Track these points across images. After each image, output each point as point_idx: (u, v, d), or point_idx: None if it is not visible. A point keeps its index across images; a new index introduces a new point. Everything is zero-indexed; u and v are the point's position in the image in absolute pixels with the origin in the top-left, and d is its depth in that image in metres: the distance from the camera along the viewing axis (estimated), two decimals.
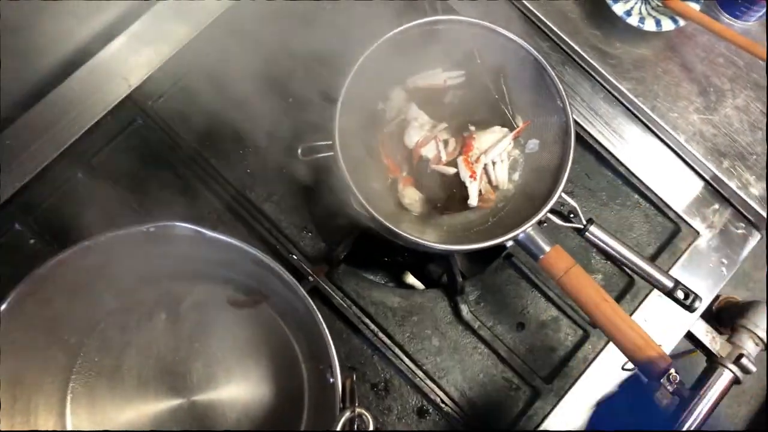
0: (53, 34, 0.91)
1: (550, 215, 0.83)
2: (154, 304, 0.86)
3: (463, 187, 0.86)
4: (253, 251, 0.72)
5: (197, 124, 0.95)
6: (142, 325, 0.85)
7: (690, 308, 0.82)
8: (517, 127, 0.89)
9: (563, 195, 0.83)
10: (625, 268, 0.94)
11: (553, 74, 0.84)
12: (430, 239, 0.83)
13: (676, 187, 0.99)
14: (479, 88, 0.89)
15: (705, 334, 1.02)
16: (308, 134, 0.88)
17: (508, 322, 0.95)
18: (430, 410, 0.91)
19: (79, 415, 0.82)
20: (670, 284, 0.82)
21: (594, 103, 1.01)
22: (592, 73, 1.01)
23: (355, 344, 0.92)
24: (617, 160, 0.99)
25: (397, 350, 0.91)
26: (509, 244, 0.83)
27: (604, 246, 0.83)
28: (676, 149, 1.00)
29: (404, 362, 0.91)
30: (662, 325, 0.94)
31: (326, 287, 0.92)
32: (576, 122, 0.97)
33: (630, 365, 0.86)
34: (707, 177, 0.99)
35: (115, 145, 0.93)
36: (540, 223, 0.82)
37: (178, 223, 0.70)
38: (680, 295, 0.82)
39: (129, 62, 0.94)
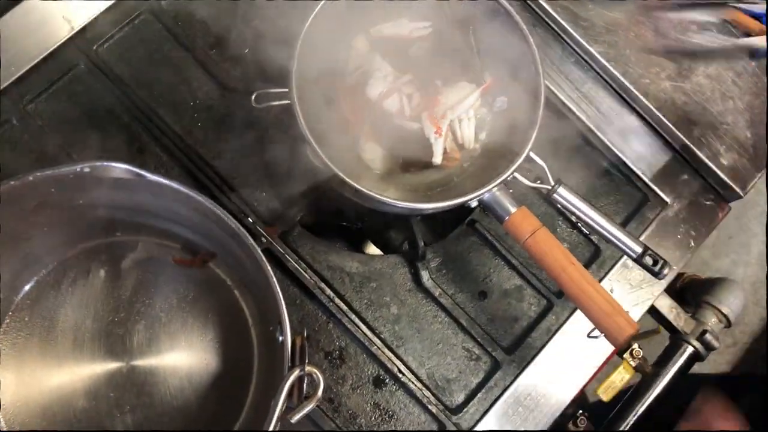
0: None
1: (516, 175, 0.79)
2: (91, 260, 0.79)
3: (426, 144, 0.82)
4: (200, 197, 0.66)
5: (144, 71, 0.89)
6: (78, 282, 0.79)
7: (658, 274, 0.79)
8: (485, 82, 0.85)
9: (531, 154, 0.79)
10: (592, 233, 0.92)
11: (526, 29, 0.80)
12: (391, 197, 0.78)
13: (646, 155, 0.96)
14: (446, 41, 0.85)
15: (669, 310, 0.99)
16: (264, 83, 0.82)
17: (469, 290, 0.90)
18: (387, 380, 0.86)
19: (5, 378, 0.75)
20: (639, 249, 0.79)
21: (564, 66, 0.97)
22: (563, 35, 0.97)
23: (309, 310, 0.87)
24: (586, 126, 0.96)
25: (353, 317, 0.87)
26: (473, 204, 0.79)
27: (573, 208, 0.80)
28: (646, 116, 0.97)
29: (361, 330, 0.86)
30: (628, 296, 0.91)
31: (279, 249, 0.86)
32: (546, 86, 0.94)
33: (596, 332, 0.82)
34: (677, 146, 0.96)
35: (54, 90, 0.86)
36: (506, 183, 0.78)
37: (115, 164, 0.63)
38: (648, 261, 0.79)
39: (71, 2, 0.87)
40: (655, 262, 0.79)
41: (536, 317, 0.91)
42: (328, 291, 0.87)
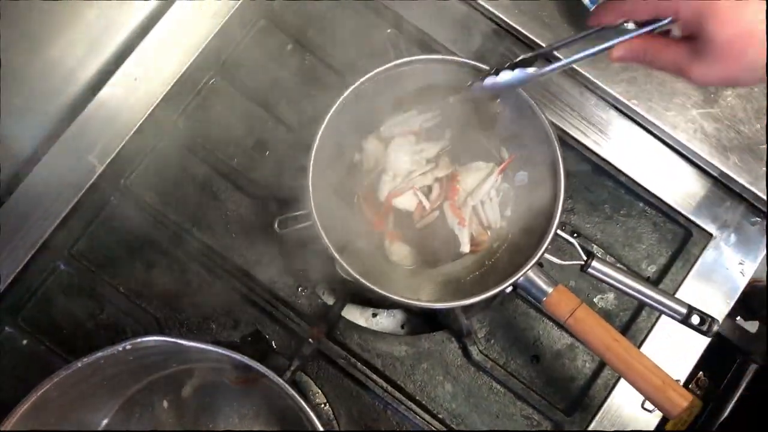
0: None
1: (547, 256, 0.78)
2: (153, 394, 0.84)
3: (453, 233, 0.82)
4: (237, 357, 0.69)
5: (173, 194, 0.92)
6: (145, 416, 0.83)
7: (706, 333, 0.78)
8: (504, 160, 0.84)
9: (559, 233, 0.78)
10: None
11: (536, 106, 0.78)
12: (425, 296, 0.80)
13: (683, 189, 0.94)
14: (457, 124, 0.84)
15: (732, 332, 0.97)
16: (289, 201, 0.84)
17: (521, 356, 0.91)
18: None
19: None
20: (683, 310, 0.78)
21: (585, 111, 0.95)
22: (580, 79, 0.95)
23: (365, 401, 0.89)
24: (616, 168, 0.94)
25: (409, 403, 0.88)
26: (508, 290, 0.79)
27: (609, 280, 0.79)
28: (678, 149, 0.94)
29: (419, 414, 0.88)
30: (678, 347, 0.89)
31: (328, 348, 0.88)
32: (567, 134, 0.93)
33: (650, 405, 0.82)
34: (715, 174, 0.93)
35: (93, 230, 0.90)
36: (539, 265, 0.78)
37: (153, 338, 0.67)
38: (695, 320, 0.77)
39: (94, 141, 0.90)
40: (702, 321, 0.77)
41: (591, 374, 0.90)
42: (381, 381, 0.88)
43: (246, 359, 0.68)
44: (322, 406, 0.89)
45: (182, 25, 0.93)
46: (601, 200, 0.95)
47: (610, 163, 0.94)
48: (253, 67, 0.95)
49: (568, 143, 0.93)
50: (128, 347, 0.66)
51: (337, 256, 0.75)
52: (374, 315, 0.97)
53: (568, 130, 0.93)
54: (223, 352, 0.68)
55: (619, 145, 0.94)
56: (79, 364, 0.66)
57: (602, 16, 0.65)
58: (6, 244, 0.87)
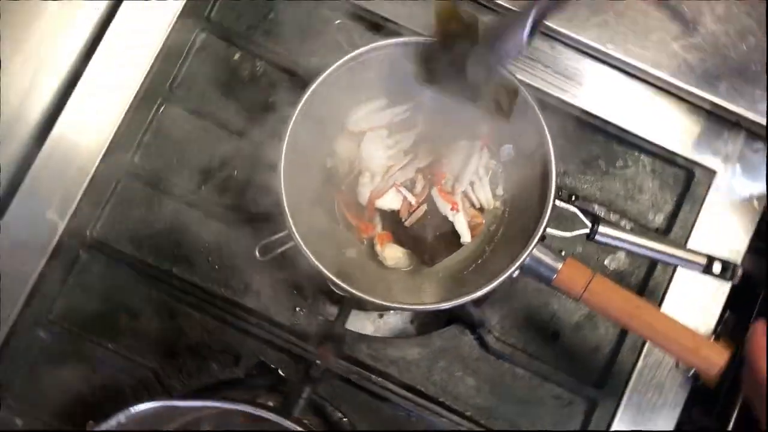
0: None
1: (550, 230, 0.73)
2: None
3: (447, 224, 0.77)
4: (242, 408, 0.63)
5: (144, 235, 0.86)
6: None
7: (731, 280, 0.73)
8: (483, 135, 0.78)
9: (558, 203, 0.73)
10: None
11: (507, 71, 0.72)
12: (428, 297, 0.75)
13: (676, 129, 0.88)
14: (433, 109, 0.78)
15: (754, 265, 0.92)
16: (268, 219, 0.78)
17: (540, 336, 0.86)
18: None
19: None
20: (703, 261, 0.73)
21: (559, 65, 0.89)
22: (547, 32, 0.89)
23: (387, 413, 0.84)
24: (603, 120, 0.88)
25: (433, 406, 0.84)
26: (515, 275, 0.73)
27: (619, 243, 0.74)
28: (664, 88, 0.88)
29: (445, 416, 0.84)
30: (700, 295, 0.84)
31: (338, 366, 0.83)
32: (546, 93, 0.87)
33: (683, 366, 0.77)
34: (707, 107, 0.88)
35: (67, 290, 0.85)
36: (542, 239, 0.73)
37: (146, 406, 0.61)
38: (717, 269, 0.73)
39: (49, 196, 0.84)
40: (725, 269, 0.73)
41: (616, 340, 0.86)
42: (399, 389, 0.84)
43: (249, 408, 0.63)
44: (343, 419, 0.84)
45: (119, 57, 0.87)
46: (594, 156, 0.89)
47: (595, 116, 0.88)
48: (203, 84, 0.88)
49: (549, 103, 0.87)
50: (122, 420, 0.60)
51: (328, 274, 0.70)
52: (381, 316, 0.92)
53: (546, 89, 0.88)
54: (226, 406, 0.62)
55: (602, 94, 0.88)
56: None
57: None
58: None
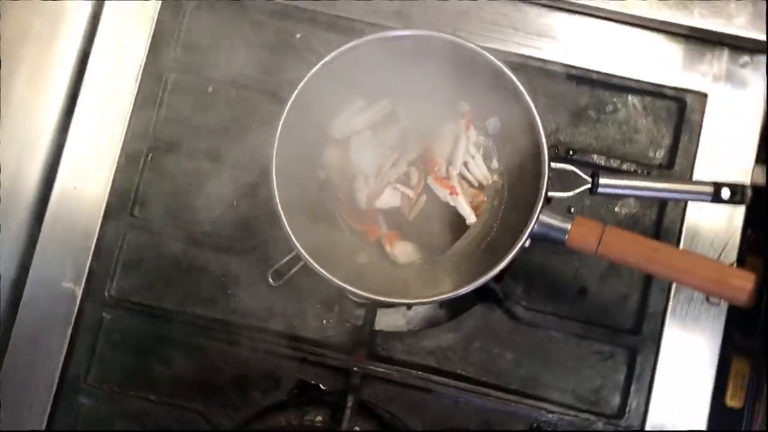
0: None
1: (551, 193, 0.72)
2: None
3: (449, 209, 0.77)
4: None
5: (161, 285, 0.87)
6: None
7: (743, 202, 0.72)
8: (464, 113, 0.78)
9: (554, 165, 0.72)
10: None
11: (473, 46, 0.72)
12: (447, 285, 0.74)
13: (658, 61, 0.87)
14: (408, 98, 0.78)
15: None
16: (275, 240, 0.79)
17: (567, 296, 0.86)
18: (542, 426, 0.84)
19: None
20: (710, 189, 0.72)
21: (529, 25, 0.88)
22: None
23: (435, 404, 0.85)
24: (584, 69, 0.87)
25: (478, 387, 0.84)
26: (528, 244, 0.73)
27: (622, 192, 0.73)
28: (638, 23, 0.87)
29: (491, 395, 0.84)
30: (717, 222, 0.84)
31: (376, 369, 0.84)
32: (522, 56, 0.87)
33: (714, 298, 0.77)
34: (685, 33, 0.86)
35: (99, 352, 0.86)
36: (548, 201, 0.72)
37: None
38: (726, 195, 0.72)
39: (61, 267, 0.85)
40: (734, 192, 0.72)
41: (643, 284, 0.85)
42: (441, 378, 0.84)
43: None
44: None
45: (97, 117, 0.87)
46: (582, 107, 0.88)
47: (576, 67, 0.87)
48: (185, 124, 0.88)
49: (527, 65, 0.86)
50: None
51: (345, 286, 0.70)
52: (409, 308, 0.92)
53: (521, 52, 0.87)
54: None
55: (578, 44, 0.87)
56: None
57: None
58: (21, 405, 0.83)
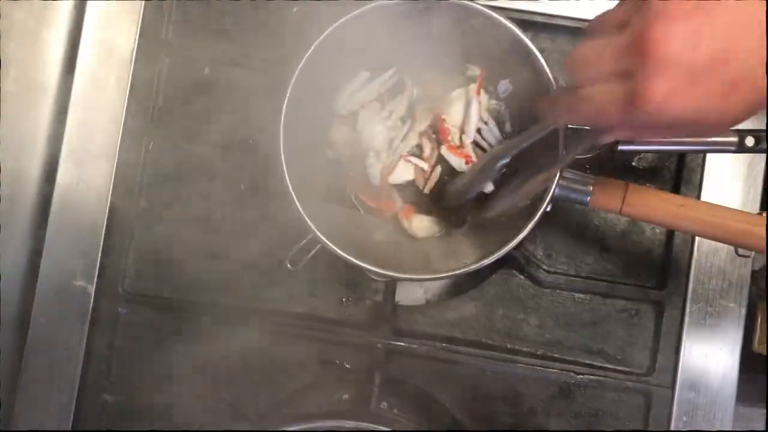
0: None
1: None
2: None
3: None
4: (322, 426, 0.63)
5: (176, 273, 0.85)
6: None
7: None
8: (476, 76, 0.75)
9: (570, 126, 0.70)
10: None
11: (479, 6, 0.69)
12: (470, 256, 0.72)
13: None
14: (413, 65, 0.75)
15: None
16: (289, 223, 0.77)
17: (589, 255, 0.84)
18: (571, 387, 0.83)
19: None
20: (734, 139, 0.70)
21: None
22: None
23: (462, 375, 0.84)
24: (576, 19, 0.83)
25: (504, 355, 0.83)
26: (549, 208, 0.71)
27: (644, 147, 0.71)
28: None
29: (518, 361, 0.83)
30: (739, 170, 0.81)
31: (399, 344, 0.83)
32: (534, 12, 0.83)
33: (744, 251, 0.75)
34: None
35: (118, 348, 0.85)
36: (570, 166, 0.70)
37: None
38: (750, 143, 0.70)
39: (71, 264, 0.83)
40: (758, 140, 0.70)
41: (666, 237, 0.83)
42: (466, 349, 0.83)
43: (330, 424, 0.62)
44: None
45: (92, 109, 0.84)
46: None
47: (581, 20, 0.84)
48: (181, 108, 0.86)
49: (533, 21, 0.83)
50: None
51: (366, 266, 0.68)
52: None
53: (531, 8, 0.83)
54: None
55: None
56: None
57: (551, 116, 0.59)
58: (45, 407, 0.82)
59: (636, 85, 0.44)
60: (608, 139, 0.54)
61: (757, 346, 0.84)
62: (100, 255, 0.84)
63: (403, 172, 0.74)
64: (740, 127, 0.69)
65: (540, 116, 0.59)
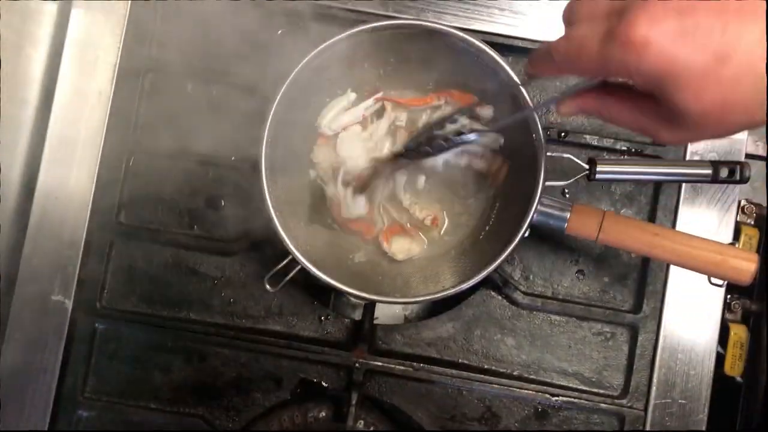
0: None
1: (549, 183, 0.71)
2: None
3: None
4: None
5: (153, 290, 0.85)
6: None
7: (741, 180, 0.72)
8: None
9: (549, 154, 0.71)
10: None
11: (461, 34, 0.70)
12: (448, 280, 0.74)
13: None
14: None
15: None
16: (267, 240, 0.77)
17: (566, 278, 0.85)
18: (547, 409, 0.84)
19: None
20: (709, 171, 0.71)
21: (515, 3, 0.85)
22: None
23: (439, 394, 0.84)
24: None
25: (480, 375, 0.84)
26: (527, 234, 0.72)
27: (620, 177, 0.72)
28: None
29: (493, 382, 0.84)
30: (714, 197, 0.83)
31: (377, 363, 0.83)
32: (510, 36, 0.84)
33: (716, 280, 0.76)
34: None
35: (95, 364, 0.84)
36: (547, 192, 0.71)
37: None
38: (725, 174, 0.71)
39: (49, 279, 0.83)
40: (732, 172, 0.71)
41: (641, 262, 0.85)
42: (443, 369, 0.84)
43: None
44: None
45: (73, 123, 0.84)
46: (573, 84, 0.86)
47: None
48: (166, 122, 0.85)
49: (512, 46, 0.84)
50: None
51: (345, 288, 0.69)
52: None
53: (511, 33, 0.84)
54: None
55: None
56: None
57: (537, 67, 0.56)
58: (19, 422, 0.82)
59: (619, 23, 0.44)
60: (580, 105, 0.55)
61: (729, 370, 0.85)
62: (78, 270, 0.83)
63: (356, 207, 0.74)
64: (715, 158, 0.71)
65: (529, 72, 0.58)
